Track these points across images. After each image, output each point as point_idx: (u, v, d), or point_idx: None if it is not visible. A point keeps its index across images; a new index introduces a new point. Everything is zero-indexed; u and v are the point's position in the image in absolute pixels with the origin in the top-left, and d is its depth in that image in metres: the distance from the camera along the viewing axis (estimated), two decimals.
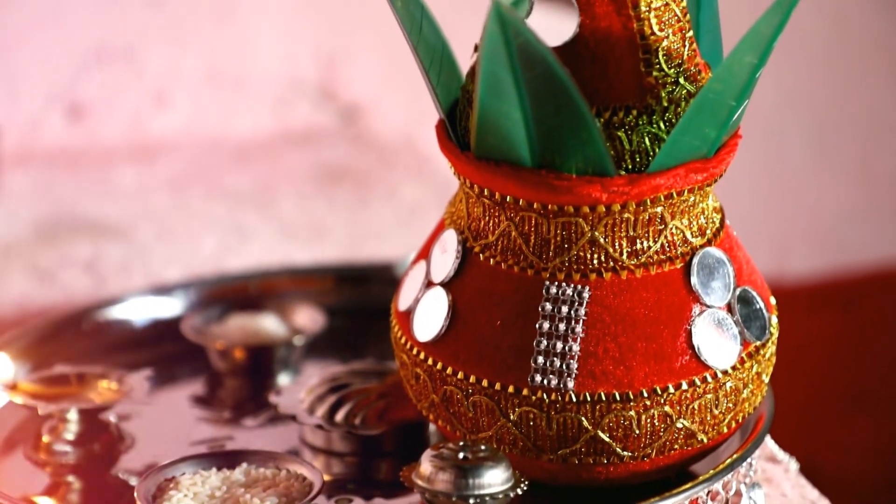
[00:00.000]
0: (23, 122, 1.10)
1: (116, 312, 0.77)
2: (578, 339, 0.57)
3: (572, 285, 0.58)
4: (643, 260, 0.58)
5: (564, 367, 0.57)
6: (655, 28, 0.57)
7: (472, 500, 0.56)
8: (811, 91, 1.26)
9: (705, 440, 0.59)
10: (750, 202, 1.27)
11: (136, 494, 0.59)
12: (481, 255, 0.60)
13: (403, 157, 1.14)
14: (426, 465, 0.57)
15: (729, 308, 0.59)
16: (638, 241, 0.58)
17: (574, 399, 0.57)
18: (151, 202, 1.01)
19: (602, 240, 0.58)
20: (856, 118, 1.27)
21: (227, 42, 1.15)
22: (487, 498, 0.56)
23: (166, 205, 1.00)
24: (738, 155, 0.60)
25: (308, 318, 0.76)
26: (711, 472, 0.59)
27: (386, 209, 1.03)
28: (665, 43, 0.57)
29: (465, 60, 0.63)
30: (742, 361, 0.59)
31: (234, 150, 1.12)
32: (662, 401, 0.57)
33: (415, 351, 0.61)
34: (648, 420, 0.57)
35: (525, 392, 0.57)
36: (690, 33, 0.58)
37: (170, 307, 0.78)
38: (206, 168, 1.08)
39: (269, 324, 0.76)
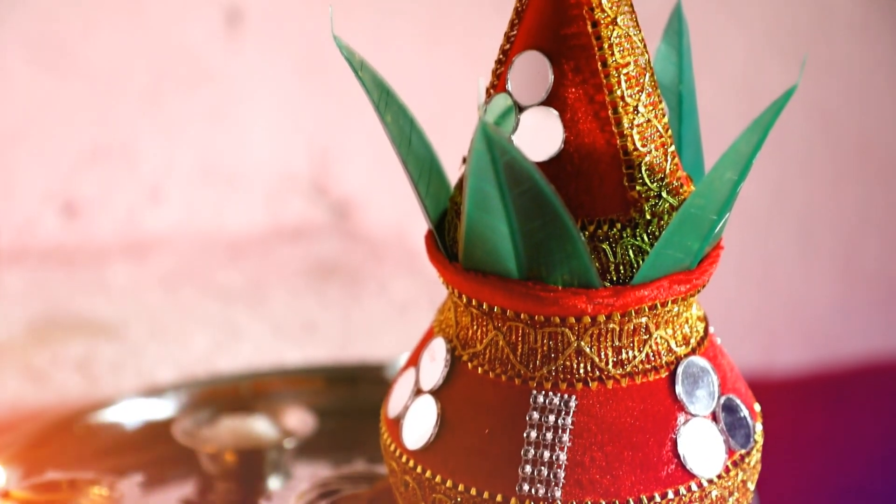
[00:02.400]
0: (18, 221, 1.11)
1: (108, 415, 0.78)
2: (566, 448, 0.58)
3: (559, 395, 0.59)
4: (629, 369, 0.59)
5: (552, 476, 0.58)
6: (638, 144, 0.58)
7: None
8: (796, 187, 1.28)
9: None
10: (737, 297, 1.28)
11: None
12: (469, 363, 0.60)
13: (394, 252, 1.15)
14: None
15: (714, 416, 0.60)
16: (623, 350, 0.59)
17: None
18: (144, 299, 1.01)
19: (588, 350, 0.59)
20: (841, 214, 1.28)
21: (220, 138, 1.17)
22: None
23: (159, 302, 1.01)
24: (726, 250, 0.61)
25: (299, 420, 0.77)
26: None
27: (377, 305, 1.04)
28: (648, 158, 0.59)
29: (452, 169, 0.64)
30: (727, 470, 0.60)
31: (227, 246, 1.13)
32: None
33: (404, 458, 0.61)
34: None
35: (513, 501, 0.58)
36: (672, 148, 0.60)
37: (161, 409, 0.79)
38: (198, 264, 1.09)
39: (259, 426, 0.76)
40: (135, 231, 1.14)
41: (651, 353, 0.59)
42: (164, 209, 1.15)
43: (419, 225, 0.68)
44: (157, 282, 1.04)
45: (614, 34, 0.58)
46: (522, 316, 0.58)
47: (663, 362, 0.60)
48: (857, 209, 1.28)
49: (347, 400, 0.81)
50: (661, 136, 0.59)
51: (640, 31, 0.59)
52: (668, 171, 0.59)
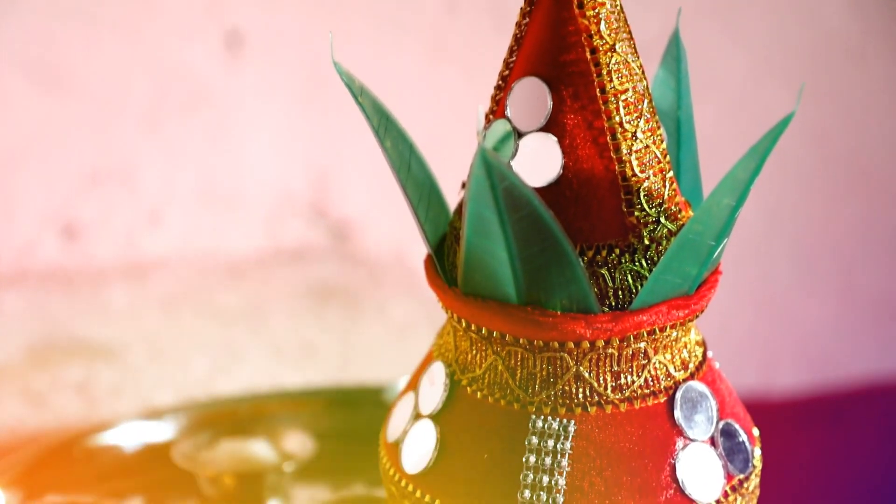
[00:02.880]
0: (17, 243, 1.11)
1: (108, 438, 0.78)
2: (564, 472, 0.58)
3: (558, 419, 0.59)
4: (627, 394, 0.59)
5: (551, 501, 0.58)
6: (637, 170, 0.59)
7: None
8: (794, 209, 1.28)
9: None
10: (735, 318, 1.28)
11: None
12: (469, 388, 0.61)
13: (393, 274, 1.15)
14: None
15: (712, 441, 0.60)
16: (622, 375, 0.59)
17: None
18: (143, 322, 1.01)
19: (587, 374, 0.59)
20: (838, 237, 1.29)
21: (219, 160, 1.17)
22: None
23: (158, 324, 1.01)
24: (725, 273, 0.62)
25: (298, 443, 0.77)
26: None
27: (376, 327, 1.04)
28: (646, 184, 0.59)
29: (451, 194, 0.65)
30: (726, 495, 0.60)
31: (226, 268, 1.13)
32: None
33: (403, 483, 0.61)
34: None
35: None
36: (671, 173, 0.60)
37: (161, 432, 0.79)
38: (198, 286, 1.09)
39: (259, 449, 0.76)
40: (134, 253, 1.14)
41: (650, 378, 0.60)
42: (164, 231, 1.16)
43: (418, 247, 0.69)
44: (157, 304, 1.05)
45: (613, 61, 0.58)
46: (521, 341, 0.59)
47: (662, 387, 0.60)
48: (854, 232, 1.29)
49: (347, 423, 0.81)
50: (659, 162, 0.59)
51: (638, 58, 0.59)
52: (666, 196, 0.60)
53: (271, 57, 1.16)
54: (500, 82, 0.61)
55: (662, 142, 0.60)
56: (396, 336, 1.02)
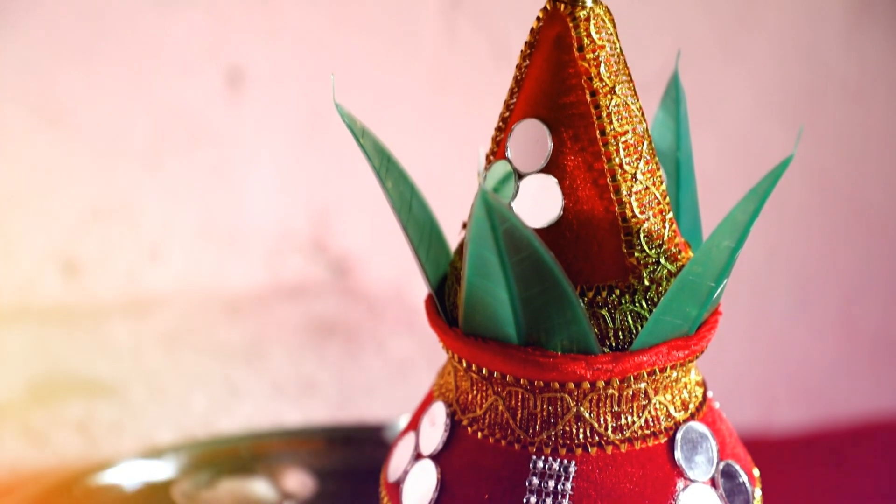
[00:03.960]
0: (18, 280, 1.11)
1: (108, 477, 0.78)
2: None
3: (559, 460, 0.59)
4: (628, 435, 0.59)
5: None
6: (637, 211, 0.59)
7: None
8: (793, 248, 1.29)
9: None
10: (736, 355, 1.28)
11: None
12: (469, 428, 0.61)
13: (393, 310, 1.15)
14: None
15: (713, 482, 0.60)
16: (622, 416, 0.59)
17: None
18: (144, 359, 1.02)
19: (587, 415, 0.59)
20: (837, 275, 1.29)
21: (219, 196, 1.17)
22: None
23: (159, 362, 1.01)
24: (725, 310, 0.62)
25: (298, 482, 0.77)
26: None
27: (376, 363, 1.04)
28: (646, 225, 0.59)
29: (452, 234, 0.65)
30: None
31: (227, 304, 1.13)
32: None
33: None
34: None
35: None
36: (670, 214, 0.60)
37: (161, 471, 0.79)
38: (198, 322, 1.09)
39: (259, 488, 0.76)
40: (135, 290, 1.14)
41: (650, 419, 0.60)
42: (164, 267, 1.16)
43: (418, 283, 0.69)
44: (157, 341, 1.05)
45: (612, 103, 0.59)
46: (522, 381, 0.59)
47: (662, 428, 0.60)
48: (853, 270, 1.29)
49: (347, 462, 0.81)
50: (659, 203, 0.60)
51: (637, 100, 0.60)
52: (666, 237, 0.60)
53: (272, 94, 1.17)
54: (501, 124, 0.61)
55: (662, 183, 0.60)
56: (396, 372, 1.02)
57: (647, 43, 1.12)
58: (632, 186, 0.59)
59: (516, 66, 0.61)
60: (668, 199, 0.60)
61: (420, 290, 0.65)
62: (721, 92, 1.23)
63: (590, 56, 0.59)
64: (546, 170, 0.59)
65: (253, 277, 1.18)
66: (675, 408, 0.60)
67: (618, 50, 0.59)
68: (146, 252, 1.15)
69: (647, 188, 0.59)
